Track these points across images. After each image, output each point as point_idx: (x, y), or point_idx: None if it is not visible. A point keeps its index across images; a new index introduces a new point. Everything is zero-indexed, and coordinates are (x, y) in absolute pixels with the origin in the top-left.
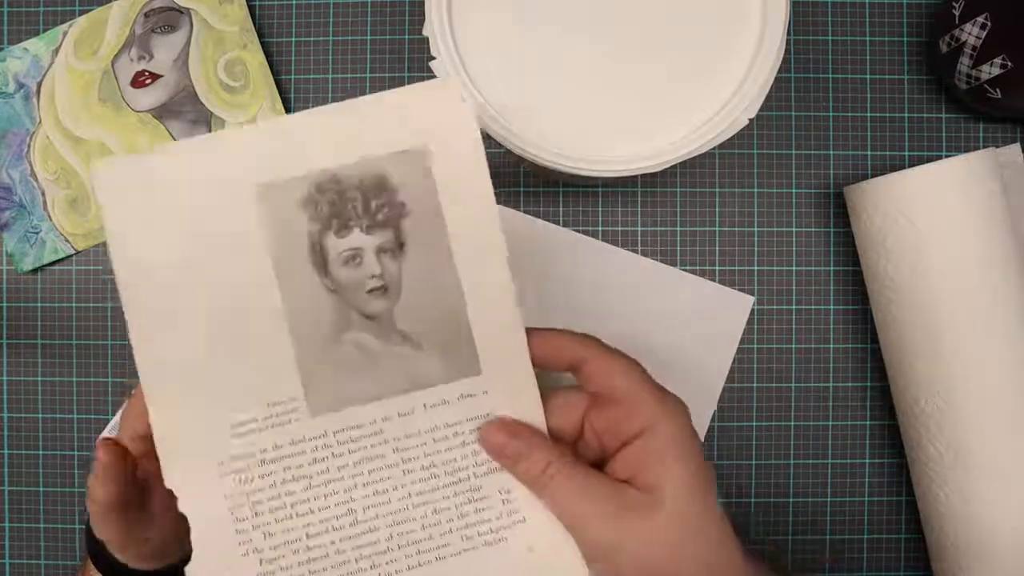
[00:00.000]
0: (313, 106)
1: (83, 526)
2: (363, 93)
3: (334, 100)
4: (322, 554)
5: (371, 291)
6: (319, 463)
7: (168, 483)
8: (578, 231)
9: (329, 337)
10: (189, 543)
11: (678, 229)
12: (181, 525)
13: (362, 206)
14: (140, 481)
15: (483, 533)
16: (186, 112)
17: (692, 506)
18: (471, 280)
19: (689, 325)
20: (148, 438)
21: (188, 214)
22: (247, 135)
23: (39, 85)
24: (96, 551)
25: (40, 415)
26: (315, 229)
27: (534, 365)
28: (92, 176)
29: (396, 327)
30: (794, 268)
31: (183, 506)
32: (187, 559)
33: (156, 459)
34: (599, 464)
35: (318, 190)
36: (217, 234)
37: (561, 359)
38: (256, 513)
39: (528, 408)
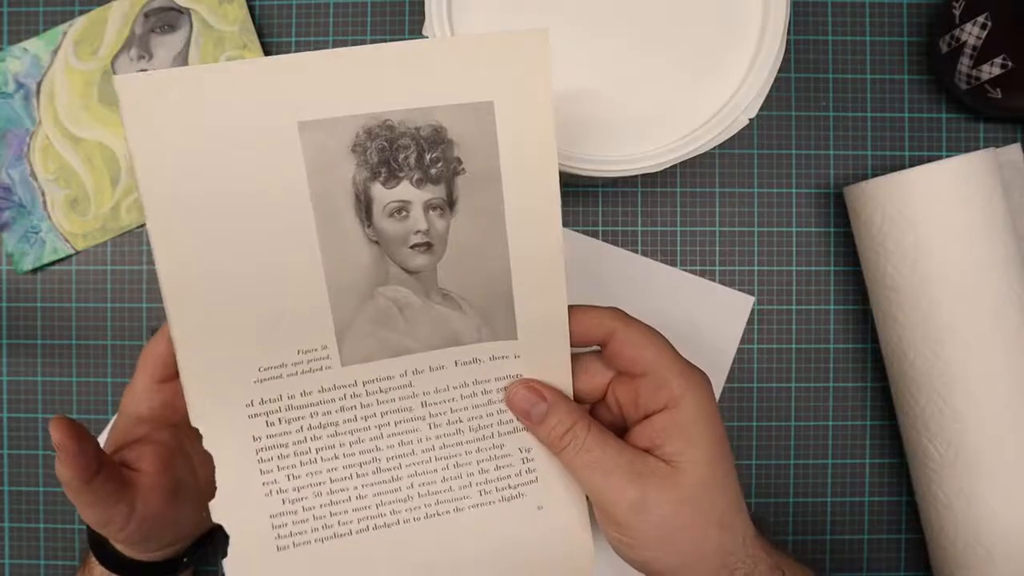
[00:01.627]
0: None
1: (84, 526)
2: None
3: None
4: (344, 498)
5: (414, 246)
6: (347, 411)
7: (194, 422)
8: (578, 231)
9: (366, 289)
10: (188, 531)
11: (678, 229)
12: (174, 511)
13: (415, 158)
14: (121, 461)
15: (501, 489)
16: None
17: (711, 480)
18: (521, 248)
19: (689, 325)
20: (147, 420)
21: (222, 146)
22: (290, 64)
23: (39, 85)
24: (97, 542)
25: (40, 415)
26: (362, 176)
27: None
28: (117, 90)
29: (437, 285)
30: (794, 268)
31: (208, 443)
32: (187, 552)
33: (151, 443)
34: (617, 430)
35: (369, 135)
36: (254, 170)
37: (593, 335)
38: (281, 456)
39: (557, 375)
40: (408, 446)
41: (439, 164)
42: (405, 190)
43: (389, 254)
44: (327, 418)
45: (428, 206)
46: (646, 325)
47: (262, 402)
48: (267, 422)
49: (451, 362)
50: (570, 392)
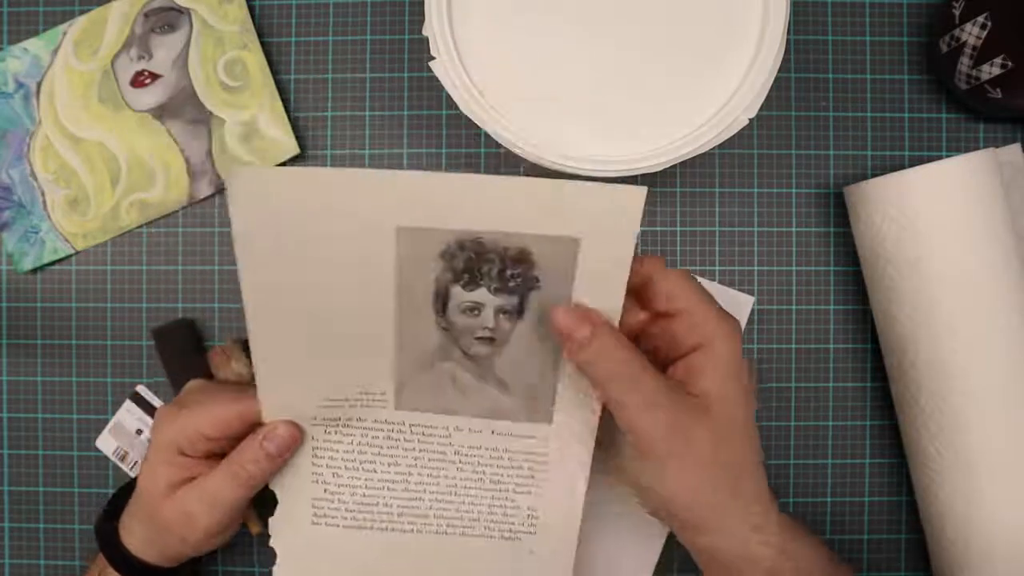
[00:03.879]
0: (313, 106)
1: (84, 526)
2: (363, 93)
3: (334, 100)
4: (373, 502)
5: (479, 338)
6: (391, 441)
7: (266, 420)
8: None
9: (428, 362)
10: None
11: (678, 229)
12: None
13: (497, 272)
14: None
15: (502, 531)
16: (186, 112)
17: (736, 416)
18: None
19: None
20: (213, 440)
21: (320, 238)
22: (399, 179)
23: (39, 85)
24: (112, 544)
25: (40, 415)
26: (445, 278)
27: None
28: (227, 181)
29: (494, 372)
30: (794, 268)
31: None
32: (196, 560)
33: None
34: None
35: (459, 246)
36: (350, 258)
37: (631, 280)
38: (331, 457)
39: (579, 457)
40: (435, 479)
41: (519, 279)
42: (482, 295)
43: (455, 339)
44: (374, 441)
45: (499, 310)
46: (682, 271)
47: (325, 419)
48: (325, 431)
49: (488, 431)
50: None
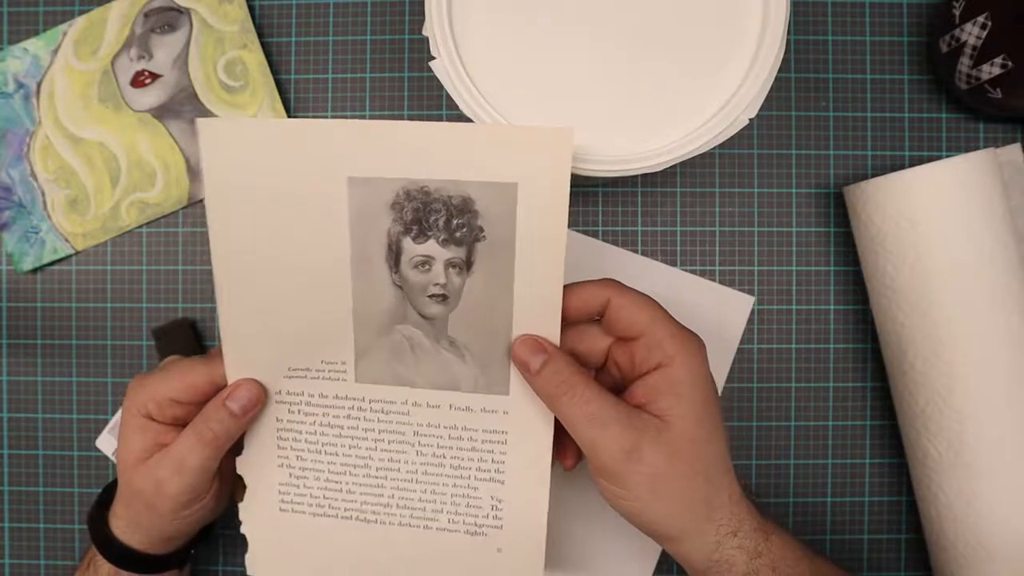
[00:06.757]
0: (313, 106)
1: (84, 526)
2: (363, 93)
3: (334, 100)
4: (337, 488)
5: (431, 296)
6: (352, 420)
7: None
8: (578, 231)
9: (386, 324)
10: (197, 528)
11: (678, 229)
12: (216, 506)
13: (443, 221)
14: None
15: (467, 524)
16: (186, 112)
17: (698, 435)
18: (523, 313)
19: (689, 325)
20: (182, 404)
21: (283, 186)
22: (349, 127)
23: (39, 85)
24: (99, 530)
25: (40, 415)
26: (395, 230)
27: (566, 320)
28: (198, 132)
29: (446, 332)
30: (794, 268)
31: None
32: (193, 544)
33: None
34: (615, 393)
35: (406, 196)
36: (306, 211)
37: (591, 307)
38: (295, 439)
39: (540, 436)
40: (395, 464)
41: (463, 229)
42: (431, 247)
43: (409, 299)
44: (335, 421)
45: (449, 263)
46: (640, 292)
47: (288, 393)
48: (289, 410)
49: (447, 404)
50: (549, 453)
